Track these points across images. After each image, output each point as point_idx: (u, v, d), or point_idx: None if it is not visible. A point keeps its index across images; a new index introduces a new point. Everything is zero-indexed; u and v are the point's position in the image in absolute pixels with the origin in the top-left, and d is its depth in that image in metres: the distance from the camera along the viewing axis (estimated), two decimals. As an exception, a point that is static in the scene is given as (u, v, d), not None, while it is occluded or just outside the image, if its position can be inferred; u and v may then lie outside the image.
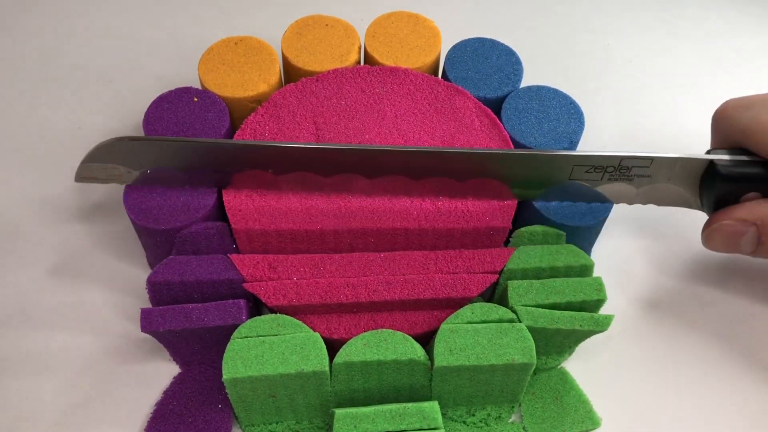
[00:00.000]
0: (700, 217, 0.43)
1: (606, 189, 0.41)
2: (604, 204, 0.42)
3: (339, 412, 0.35)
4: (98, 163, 0.39)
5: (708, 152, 0.41)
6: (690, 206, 0.42)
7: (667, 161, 0.40)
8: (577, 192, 0.41)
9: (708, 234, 0.41)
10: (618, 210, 0.44)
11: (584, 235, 0.43)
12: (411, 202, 0.41)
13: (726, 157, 0.39)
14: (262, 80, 0.46)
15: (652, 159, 0.39)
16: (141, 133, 0.47)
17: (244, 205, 0.41)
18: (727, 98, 0.42)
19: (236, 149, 0.40)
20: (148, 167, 0.40)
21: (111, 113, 0.51)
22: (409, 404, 0.36)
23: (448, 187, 0.41)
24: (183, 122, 0.44)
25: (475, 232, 0.41)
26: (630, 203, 0.42)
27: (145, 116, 0.44)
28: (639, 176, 0.41)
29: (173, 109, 0.45)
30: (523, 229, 0.42)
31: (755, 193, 0.40)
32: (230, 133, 0.45)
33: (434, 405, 0.36)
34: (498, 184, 0.41)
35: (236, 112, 0.46)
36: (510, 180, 0.41)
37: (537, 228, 0.41)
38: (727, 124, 0.41)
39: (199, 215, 0.40)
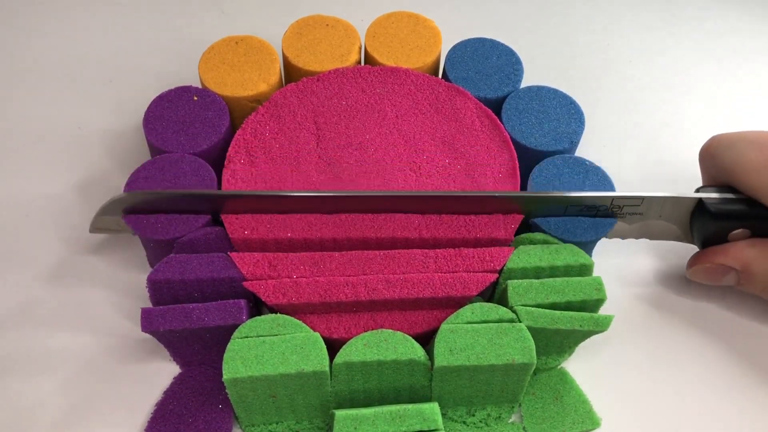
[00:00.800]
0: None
1: None
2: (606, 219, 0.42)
3: (339, 413, 0.35)
4: (111, 216, 0.41)
5: (697, 190, 0.42)
6: (681, 240, 0.44)
7: (658, 200, 0.41)
8: (575, 228, 0.42)
9: (691, 272, 0.43)
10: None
11: (586, 246, 0.43)
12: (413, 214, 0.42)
13: (714, 195, 0.41)
14: (262, 80, 0.46)
15: (642, 198, 0.41)
16: (141, 132, 0.47)
17: (242, 215, 0.41)
18: (727, 100, 0.42)
19: (238, 198, 0.41)
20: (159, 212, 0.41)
21: (111, 113, 0.51)
22: (409, 406, 0.35)
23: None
24: (183, 121, 0.44)
25: (477, 243, 0.41)
26: (623, 238, 0.44)
27: (145, 115, 0.44)
28: (631, 214, 0.42)
29: (173, 108, 0.45)
30: (523, 235, 0.42)
31: (743, 230, 0.41)
32: (230, 132, 0.45)
33: (434, 407, 0.36)
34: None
35: (236, 112, 0.46)
36: (510, 212, 0.42)
37: (537, 236, 0.42)
38: (711, 163, 0.42)
39: (199, 224, 0.41)
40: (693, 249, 0.44)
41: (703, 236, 0.42)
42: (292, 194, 0.41)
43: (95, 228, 0.42)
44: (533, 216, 0.42)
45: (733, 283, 0.42)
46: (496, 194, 0.41)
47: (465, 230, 0.41)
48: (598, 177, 0.44)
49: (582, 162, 0.44)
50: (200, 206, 0.41)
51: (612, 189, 0.44)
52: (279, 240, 0.41)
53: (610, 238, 0.44)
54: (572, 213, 0.42)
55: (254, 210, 0.41)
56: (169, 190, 0.41)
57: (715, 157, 0.41)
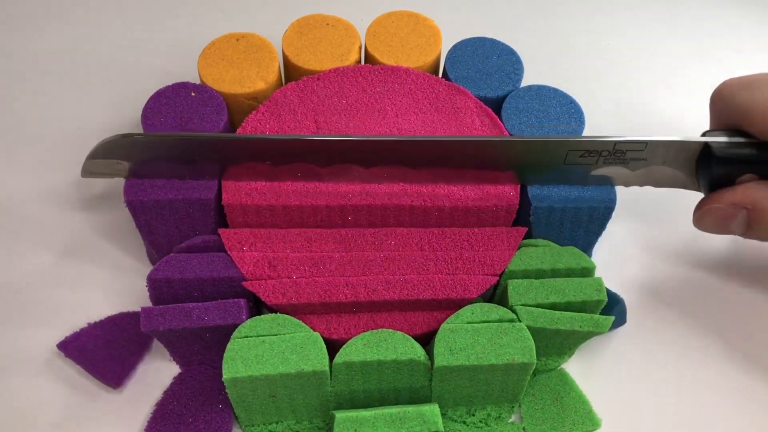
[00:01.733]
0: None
1: (601, 172, 0.41)
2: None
3: (339, 416, 0.35)
4: (102, 159, 0.40)
5: (704, 134, 0.40)
6: (687, 187, 0.42)
7: (662, 144, 0.40)
8: (572, 177, 0.41)
9: (699, 216, 0.41)
10: (618, 213, 0.44)
11: (584, 234, 0.43)
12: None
13: (722, 139, 0.39)
14: (260, 78, 0.46)
15: (646, 143, 0.40)
16: (140, 129, 0.47)
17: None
18: None
19: (234, 142, 0.40)
20: (151, 159, 0.40)
21: (111, 112, 0.51)
22: (410, 408, 0.35)
23: (446, 175, 0.42)
24: (181, 117, 0.44)
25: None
26: (626, 185, 0.42)
27: (143, 112, 0.44)
28: (634, 159, 0.40)
29: (171, 104, 0.45)
30: (525, 240, 0.42)
31: (751, 174, 0.39)
32: (228, 128, 0.45)
33: (435, 408, 0.36)
34: (498, 174, 0.41)
35: (233, 108, 0.46)
36: (506, 166, 0.41)
37: (540, 241, 0.42)
38: (724, 104, 0.40)
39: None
40: (699, 250, 0.44)
41: (710, 182, 0.40)
42: (294, 138, 0.40)
43: (87, 172, 0.40)
44: (532, 172, 0.41)
45: (740, 232, 0.40)
46: (495, 138, 0.40)
47: (468, 245, 0.41)
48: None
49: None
50: (202, 155, 0.40)
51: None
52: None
53: (614, 185, 0.42)
54: (572, 161, 0.40)
55: (258, 156, 0.40)
56: (161, 132, 0.40)
57: (729, 98, 0.40)
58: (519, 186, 0.42)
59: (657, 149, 0.40)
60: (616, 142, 0.39)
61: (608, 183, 0.42)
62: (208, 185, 0.41)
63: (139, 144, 0.39)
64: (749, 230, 0.40)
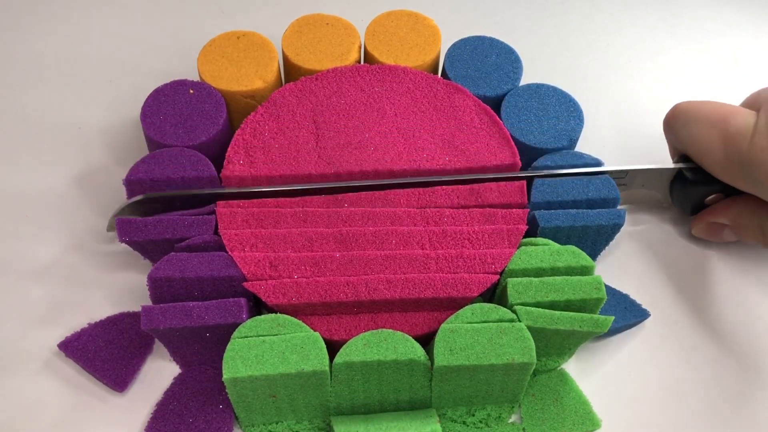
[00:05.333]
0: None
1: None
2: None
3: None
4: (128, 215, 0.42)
5: (677, 161, 0.45)
6: (662, 204, 0.48)
7: (641, 172, 0.45)
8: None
9: (695, 231, 0.46)
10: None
11: (590, 247, 0.44)
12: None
13: (691, 165, 0.44)
14: (258, 76, 0.46)
15: (627, 171, 0.45)
16: (140, 128, 0.47)
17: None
18: (727, 99, 0.43)
19: (235, 195, 0.43)
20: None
21: (111, 112, 0.51)
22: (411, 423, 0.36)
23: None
24: (180, 114, 0.44)
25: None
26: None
27: (142, 110, 0.44)
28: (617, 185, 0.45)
29: (170, 102, 0.45)
30: (525, 239, 0.42)
31: (718, 194, 0.44)
32: (227, 125, 0.46)
33: (437, 428, 0.36)
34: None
35: (230, 107, 0.47)
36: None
37: (539, 240, 0.42)
38: (671, 136, 0.45)
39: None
40: (698, 250, 0.46)
41: (682, 201, 0.45)
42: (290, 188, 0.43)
43: (112, 227, 0.43)
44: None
45: (733, 238, 0.45)
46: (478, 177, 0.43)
47: (468, 243, 0.41)
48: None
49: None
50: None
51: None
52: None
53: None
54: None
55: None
56: (180, 191, 0.42)
57: (673, 132, 0.44)
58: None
59: (636, 176, 0.45)
60: (600, 173, 0.44)
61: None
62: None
63: (156, 201, 0.42)
64: (740, 238, 0.45)
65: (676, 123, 0.43)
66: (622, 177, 0.45)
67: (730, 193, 0.44)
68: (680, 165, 0.44)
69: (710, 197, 0.44)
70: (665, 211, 0.48)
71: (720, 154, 0.40)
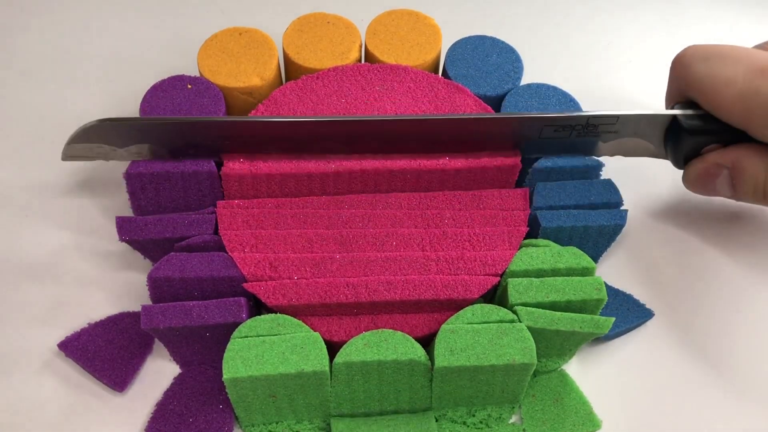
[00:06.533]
0: (697, 225, 0.45)
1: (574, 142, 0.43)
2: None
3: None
4: (83, 143, 0.41)
5: (672, 107, 0.42)
6: (656, 156, 0.45)
7: (633, 118, 0.42)
8: (551, 148, 0.43)
9: (686, 173, 0.43)
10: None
11: (592, 248, 0.44)
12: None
13: (688, 112, 0.41)
14: (257, 74, 0.46)
15: (618, 117, 0.42)
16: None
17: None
18: None
19: (217, 124, 0.41)
20: (132, 144, 0.41)
21: (111, 112, 0.51)
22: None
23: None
24: (179, 109, 0.44)
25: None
26: (598, 156, 0.44)
27: (141, 106, 0.44)
28: (606, 132, 0.43)
29: (168, 97, 0.45)
30: (526, 240, 0.42)
31: (716, 144, 0.42)
32: None
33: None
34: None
35: (227, 103, 0.46)
36: (491, 141, 0.43)
37: (540, 241, 0.42)
38: (681, 74, 0.42)
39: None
40: (697, 251, 0.45)
41: (677, 152, 0.43)
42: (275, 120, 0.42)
43: (67, 156, 0.41)
44: (515, 146, 0.43)
45: (727, 193, 0.42)
46: (473, 116, 0.42)
47: (469, 245, 0.41)
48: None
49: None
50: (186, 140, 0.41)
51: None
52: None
53: (586, 155, 0.44)
54: (548, 135, 0.42)
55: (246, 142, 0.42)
56: (139, 117, 0.41)
57: (687, 68, 0.41)
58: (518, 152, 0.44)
59: (628, 122, 0.42)
60: (589, 117, 0.42)
61: (587, 149, 0.44)
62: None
63: (119, 128, 0.40)
64: (734, 190, 0.42)
65: (693, 57, 0.41)
66: (612, 123, 0.42)
67: (729, 144, 0.42)
68: (677, 111, 0.42)
69: (708, 147, 0.42)
70: (671, 210, 0.48)
71: (741, 86, 0.38)
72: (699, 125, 0.41)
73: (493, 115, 0.42)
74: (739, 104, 0.39)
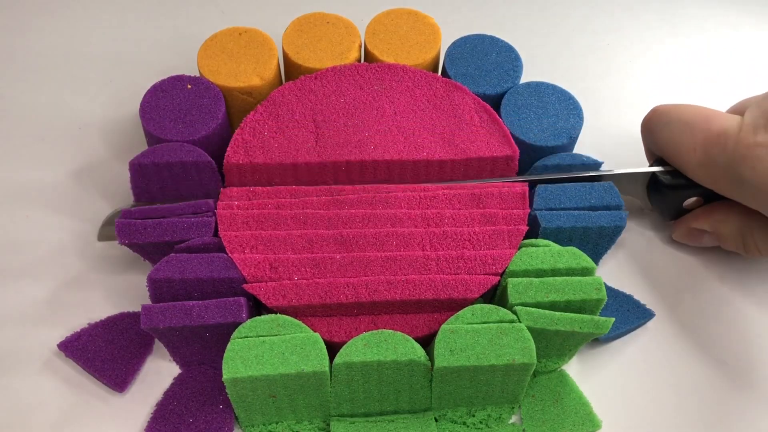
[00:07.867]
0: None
1: None
2: None
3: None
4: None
5: (652, 164, 0.45)
6: (644, 209, 0.47)
7: (613, 177, 0.44)
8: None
9: (675, 235, 0.46)
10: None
11: (592, 249, 0.44)
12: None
13: (667, 168, 0.43)
14: (256, 73, 0.46)
15: (600, 176, 0.44)
16: (140, 125, 0.47)
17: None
18: (725, 101, 0.43)
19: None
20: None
21: (111, 112, 0.51)
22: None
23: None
24: (179, 109, 0.44)
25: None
26: None
27: (141, 106, 0.44)
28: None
29: (168, 97, 0.45)
30: (526, 240, 0.42)
31: (697, 198, 0.44)
32: (226, 119, 0.46)
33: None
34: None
35: (227, 102, 0.46)
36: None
37: (540, 241, 0.42)
38: (648, 138, 0.44)
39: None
40: (696, 252, 0.45)
41: (661, 206, 0.45)
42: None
43: (103, 237, 0.43)
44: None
45: (714, 244, 0.44)
46: (458, 183, 0.44)
47: (469, 244, 0.41)
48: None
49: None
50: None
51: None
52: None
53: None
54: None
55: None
56: (171, 202, 0.42)
57: (652, 133, 0.43)
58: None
59: (610, 180, 0.44)
60: (575, 178, 0.44)
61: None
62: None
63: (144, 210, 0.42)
64: (721, 245, 0.44)
65: (656, 124, 0.43)
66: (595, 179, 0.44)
67: (708, 197, 0.43)
68: (654, 168, 0.44)
69: (689, 201, 0.44)
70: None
71: (701, 155, 0.40)
72: (676, 182, 0.43)
73: (481, 181, 0.44)
74: (702, 171, 0.40)
